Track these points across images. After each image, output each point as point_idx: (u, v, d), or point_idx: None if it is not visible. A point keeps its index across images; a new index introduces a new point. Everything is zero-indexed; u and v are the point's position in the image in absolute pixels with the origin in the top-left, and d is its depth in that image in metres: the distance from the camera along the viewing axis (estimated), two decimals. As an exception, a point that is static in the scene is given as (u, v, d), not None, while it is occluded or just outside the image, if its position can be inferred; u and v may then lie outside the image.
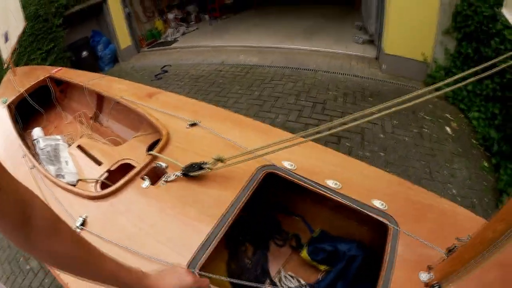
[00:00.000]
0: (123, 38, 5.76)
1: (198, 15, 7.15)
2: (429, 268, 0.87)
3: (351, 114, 0.97)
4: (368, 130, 3.02)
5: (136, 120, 2.03)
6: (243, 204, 1.12)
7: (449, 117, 3.14)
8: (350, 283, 1.24)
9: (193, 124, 1.56)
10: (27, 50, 4.49)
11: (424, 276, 0.86)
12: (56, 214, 0.58)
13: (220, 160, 1.16)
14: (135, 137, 1.88)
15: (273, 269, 1.43)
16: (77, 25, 5.24)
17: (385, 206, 1.09)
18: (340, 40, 4.80)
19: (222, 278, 1.03)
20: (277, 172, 1.21)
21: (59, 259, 0.58)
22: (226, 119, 1.61)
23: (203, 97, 3.96)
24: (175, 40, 6.27)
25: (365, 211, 1.07)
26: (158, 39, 6.43)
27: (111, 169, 1.61)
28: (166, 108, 1.76)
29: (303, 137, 1.09)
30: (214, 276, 0.98)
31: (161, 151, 1.43)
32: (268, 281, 1.38)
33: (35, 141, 2.11)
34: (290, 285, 1.32)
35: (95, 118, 2.49)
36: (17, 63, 3.07)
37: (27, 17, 4.02)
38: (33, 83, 2.48)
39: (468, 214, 1.05)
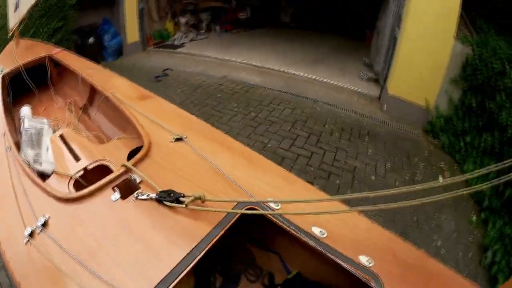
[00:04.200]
0: (132, 32, 5.67)
1: (210, 24, 7.13)
2: None
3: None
4: (359, 170, 2.96)
5: (124, 120, 1.93)
6: (214, 241, 1.02)
7: (443, 166, 3.12)
8: None
9: (178, 139, 1.45)
10: (36, 23, 4.34)
11: None
12: None
13: (199, 198, 1.07)
14: (118, 138, 1.77)
15: (241, 306, 1.29)
16: (89, 9, 5.14)
17: (372, 263, 1.00)
18: (345, 74, 4.82)
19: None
20: (259, 211, 1.11)
21: None
22: (214, 139, 1.52)
23: (198, 108, 3.87)
24: (182, 45, 6.22)
25: (349, 268, 0.98)
26: (165, 41, 6.36)
27: (88, 167, 1.50)
28: (155, 115, 1.67)
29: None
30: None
31: (139, 162, 1.33)
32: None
33: (21, 119, 2.02)
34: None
35: (85, 109, 2.36)
36: (22, 34, 2.94)
37: (43, -10, 3.91)
38: (32, 59, 2.38)
39: (459, 280, 0.98)
